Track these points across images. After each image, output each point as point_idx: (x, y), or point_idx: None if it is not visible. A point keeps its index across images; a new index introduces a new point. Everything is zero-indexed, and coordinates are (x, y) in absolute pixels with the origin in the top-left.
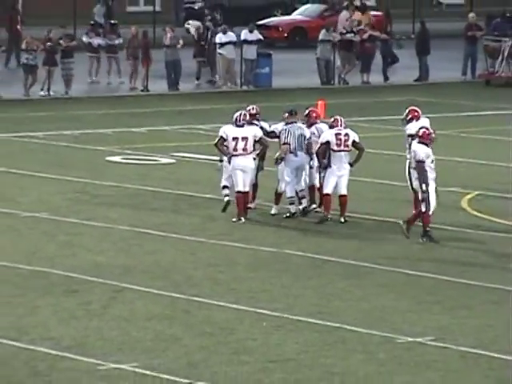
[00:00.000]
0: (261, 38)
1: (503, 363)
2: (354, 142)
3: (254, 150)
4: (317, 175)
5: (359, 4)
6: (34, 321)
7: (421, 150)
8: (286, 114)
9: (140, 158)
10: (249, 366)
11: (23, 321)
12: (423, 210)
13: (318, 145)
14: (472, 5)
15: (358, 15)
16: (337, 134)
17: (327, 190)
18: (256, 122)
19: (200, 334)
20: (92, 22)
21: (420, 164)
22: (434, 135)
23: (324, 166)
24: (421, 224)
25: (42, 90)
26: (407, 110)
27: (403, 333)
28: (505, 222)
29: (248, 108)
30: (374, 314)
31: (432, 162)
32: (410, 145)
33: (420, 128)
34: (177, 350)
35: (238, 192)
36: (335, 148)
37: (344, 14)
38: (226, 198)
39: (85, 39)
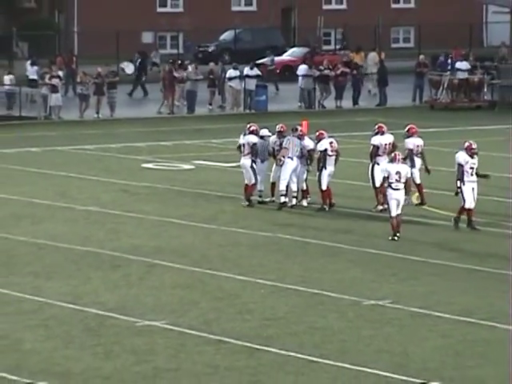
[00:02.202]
0: (259, 73)
1: (444, 321)
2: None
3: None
4: (304, 176)
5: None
6: (87, 289)
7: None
8: (291, 129)
9: (167, 164)
10: (250, 322)
11: (78, 289)
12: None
13: (318, 152)
14: (420, 48)
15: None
16: (331, 143)
17: (324, 186)
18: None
19: (213, 298)
20: (171, 60)
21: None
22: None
23: (321, 168)
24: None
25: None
26: (407, 127)
27: (367, 297)
28: (445, 212)
29: (249, 125)
30: (345, 283)
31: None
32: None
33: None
34: (195, 311)
35: (246, 184)
36: (330, 153)
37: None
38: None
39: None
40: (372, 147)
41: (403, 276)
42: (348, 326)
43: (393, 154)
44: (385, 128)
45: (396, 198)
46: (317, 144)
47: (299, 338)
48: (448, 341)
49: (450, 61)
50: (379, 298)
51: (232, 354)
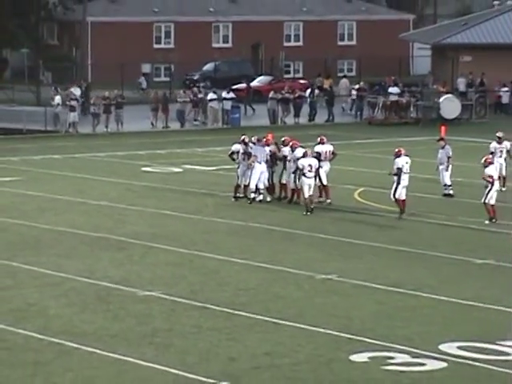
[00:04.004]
0: (234, 96)
1: (379, 291)
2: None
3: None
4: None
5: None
6: (98, 266)
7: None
8: (257, 138)
9: (162, 168)
10: (227, 292)
11: (92, 266)
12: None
13: (315, 154)
14: (360, 76)
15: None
16: (305, 151)
17: (326, 181)
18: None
19: (198, 273)
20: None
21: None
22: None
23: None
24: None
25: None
26: (396, 150)
27: (319, 272)
28: (380, 206)
29: (242, 137)
30: (302, 262)
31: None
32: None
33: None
34: (184, 284)
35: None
36: (322, 157)
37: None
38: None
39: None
40: (316, 154)
41: (347, 255)
42: (304, 296)
43: (304, 151)
44: (325, 139)
45: (308, 184)
46: (292, 152)
47: (266, 304)
48: (382, 307)
49: (383, 86)
50: (328, 273)
51: (213, 318)
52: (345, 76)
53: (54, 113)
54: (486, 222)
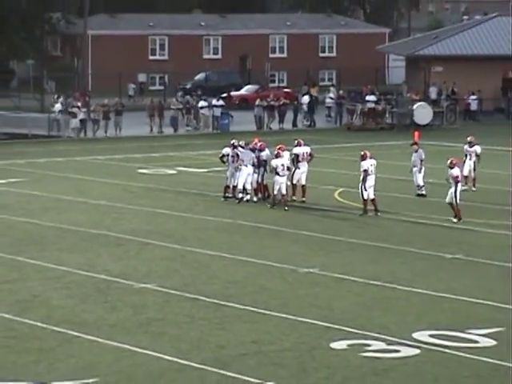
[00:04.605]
0: (223, 104)
1: (358, 284)
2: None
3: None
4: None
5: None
6: (98, 261)
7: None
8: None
9: (157, 170)
10: (217, 285)
11: (92, 261)
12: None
13: (293, 156)
14: (340, 85)
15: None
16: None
17: (304, 182)
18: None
19: (190, 268)
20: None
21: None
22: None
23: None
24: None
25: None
26: (362, 153)
27: (302, 266)
28: (358, 205)
29: (232, 141)
30: (287, 256)
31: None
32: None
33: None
34: (177, 277)
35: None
36: (300, 159)
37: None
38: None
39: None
40: (294, 155)
41: (328, 251)
42: (288, 288)
43: (276, 152)
44: (302, 142)
45: (281, 182)
46: (276, 157)
47: (253, 296)
48: (360, 298)
49: (361, 95)
50: (311, 266)
51: (204, 308)
52: (333, 85)
53: (54, 119)
54: (454, 220)
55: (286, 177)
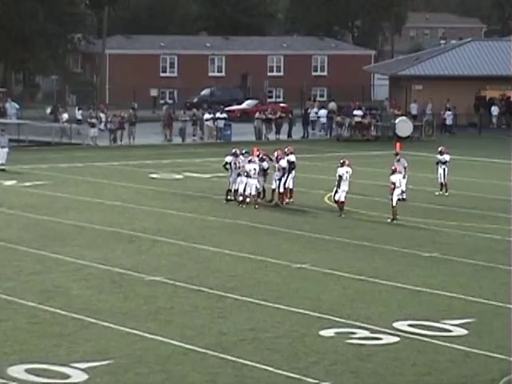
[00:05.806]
0: (226, 116)
1: (344, 278)
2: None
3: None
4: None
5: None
6: (113, 256)
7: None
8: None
9: (166, 175)
10: (219, 278)
11: (107, 255)
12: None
13: (286, 162)
14: (331, 97)
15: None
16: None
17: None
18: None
19: (195, 262)
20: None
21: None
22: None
23: (288, 173)
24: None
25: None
26: (341, 161)
27: (295, 262)
28: (345, 208)
29: (234, 150)
30: (281, 253)
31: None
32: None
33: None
34: (183, 271)
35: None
36: (293, 165)
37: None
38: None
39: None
40: (290, 163)
41: (318, 248)
42: (282, 281)
43: (250, 158)
44: (293, 149)
45: (252, 184)
46: (278, 162)
47: (250, 288)
48: (347, 291)
49: (349, 109)
50: (303, 262)
51: (207, 299)
52: (333, 100)
53: (61, 127)
54: (388, 220)
55: (256, 179)
